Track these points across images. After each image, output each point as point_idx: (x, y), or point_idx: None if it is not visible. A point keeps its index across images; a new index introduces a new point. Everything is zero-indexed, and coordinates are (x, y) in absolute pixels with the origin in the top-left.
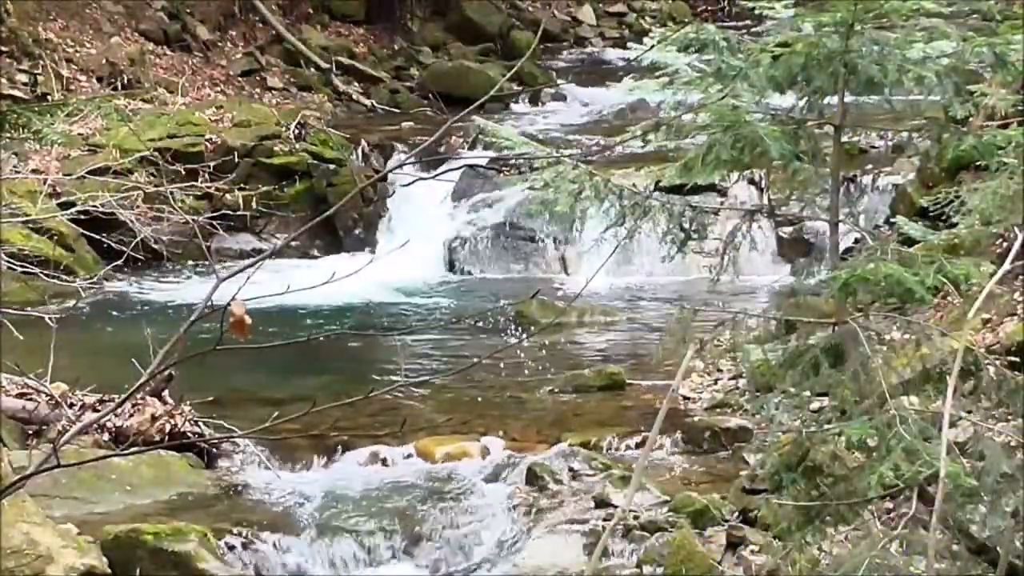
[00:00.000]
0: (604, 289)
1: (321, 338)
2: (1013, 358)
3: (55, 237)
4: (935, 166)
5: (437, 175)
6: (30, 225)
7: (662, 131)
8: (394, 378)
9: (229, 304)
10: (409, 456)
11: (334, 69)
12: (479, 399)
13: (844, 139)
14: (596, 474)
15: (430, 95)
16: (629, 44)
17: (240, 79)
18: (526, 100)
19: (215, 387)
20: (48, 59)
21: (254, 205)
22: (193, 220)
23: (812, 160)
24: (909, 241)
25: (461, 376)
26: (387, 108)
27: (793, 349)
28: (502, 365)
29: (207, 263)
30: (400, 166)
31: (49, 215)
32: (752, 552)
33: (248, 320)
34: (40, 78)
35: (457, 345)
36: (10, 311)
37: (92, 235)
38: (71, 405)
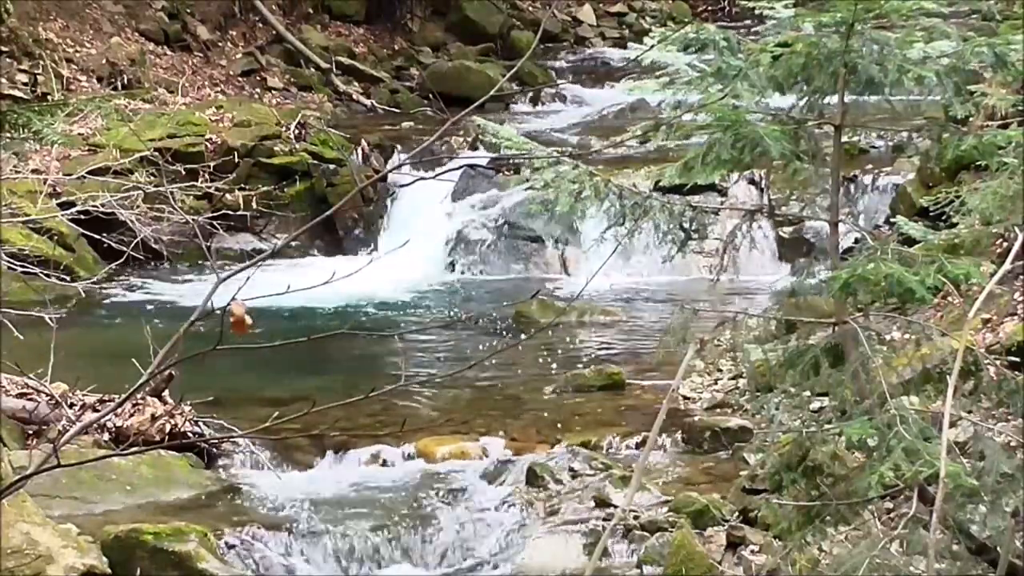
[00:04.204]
0: (604, 289)
1: (321, 338)
2: (1013, 358)
3: (55, 237)
4: (935, 166)
5: (437, 175)
6: (30, 225)
7: (662, 131)
8: (394, 378)
9: (229, 304)
10: (409, 456)
11: (334, 69)
12: (479, 399)
13: (844, 139)
14: (596, 474)
15: (430, 95)
16: (629, 44)
17: (240, 79)
18: (526, 100)
19: (215, 387)
20: (48, 59)
21: (254, 205)
22: (193, 220)
23: (812, 160)
24: (909, 241)
25: (461, 376)
26: (387, 108)
27: (793, 349)
28: (502, 365)
29: (207, 263)
30: (400, 166)
31: (49, 215)
32: (752, 552)
33: (248, 319)
34: (40, 78)
35: (457, 345)
36: (10, 311)
37: (92, 235)
38: (71, 405)
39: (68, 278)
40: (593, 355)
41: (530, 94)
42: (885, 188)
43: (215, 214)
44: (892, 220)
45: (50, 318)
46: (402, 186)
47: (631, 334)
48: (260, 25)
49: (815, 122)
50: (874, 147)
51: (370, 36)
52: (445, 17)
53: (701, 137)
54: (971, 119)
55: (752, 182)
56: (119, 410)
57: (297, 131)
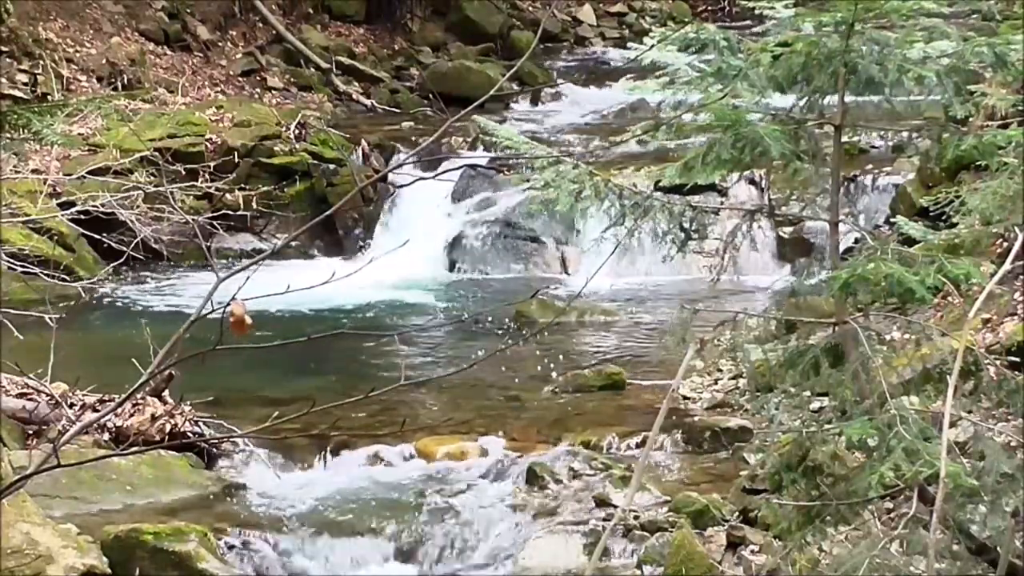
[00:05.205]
0: (604, 289)
1: (321, 338)
2: (1013, 358)
3: (55, 237)
4: (935, 166)
5: (437, 175)
6: (30, 225)
7: (662, 131)
8: (394, 378)
9: (229, 304)
10: (409, 456)
11: (334, 69)
12: (479, 399)
13: (844, 139)
14: (596, 474)
15: (430, 95)
16: (629, 44)
17: (240, 79)
18: (526, 100)
19: (215, 387)
20: (48, 59)
21: (254, 205)
22: (193, 220)
23: (812, 160)
24: (909, 241)
25: (461, 376)
26: (387, 108)
27: (793, 349)
28: (502, 365)
29: (207, 263)
30: (400, 166)
31: (49, 215)
32: (752, 552)
33: (248, 319)
34: (40, 78)
35: (457, 345)
36: (10, 311)
37: (92, 235)
38: (71, 405)
39: (68, 278)
40: (593, 355)
41: (530, 94)
42: (885, 188)
43: (215, 214)
44: (892, 220)
45: (50, 318)
46: (402, 186)
47: (631, 334)
48: (260, 25)
49: (815, 122)
50: (874, 147)
51: (370, 36)
52: (445, 17)
53: (701, 137)
54: (971, 119)
55: (752, 182)
56: (119, 410)
57: (297, 131)
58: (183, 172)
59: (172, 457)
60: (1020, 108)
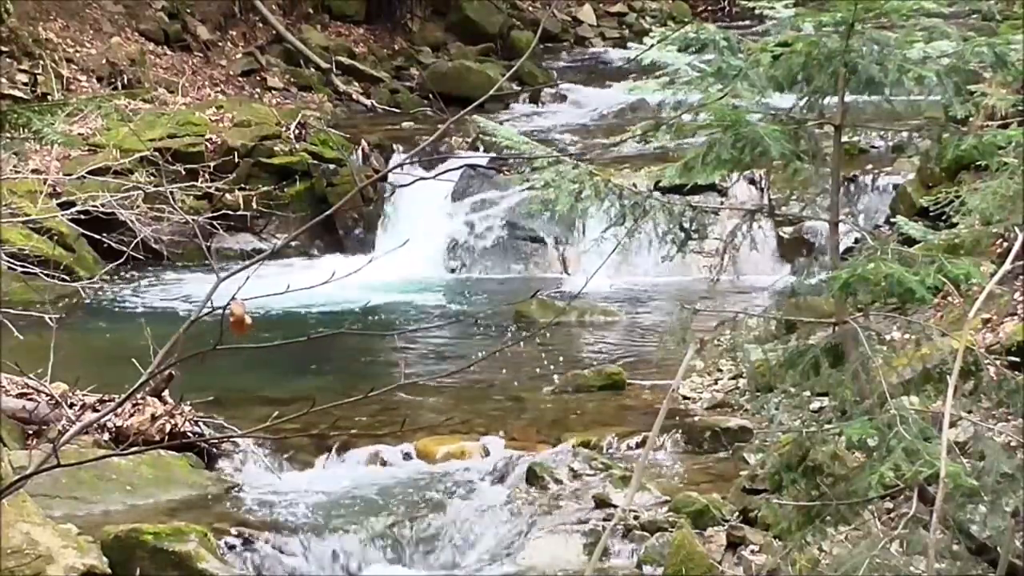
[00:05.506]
0: (604, 289)
1: (321, 338)
2: (1013, 358)
3: (55, 237)
4: (935, 166)
5: (437, 175)
6: (30, 225)
7: (662, 131)
8: (394, 378)
9: (229, 303)
10: (409, 456)
11: (334, 69)
12: (479, 399)
13: (844, 139)
14: (596, 474)
15: (430, 95)
16: (629, 44)
17: (240, 79)
18: (526, 100)
19: (215, 387)
20: (48, 59)
21: (254, 205)
22: (193, 220)
23: (812, 160)
24: (909, 241)
25: (461, 376)
26: (387, 108)
27: (793, 349)
28: (502, 365)
29: (207, 263)
30: (400, 166)
31: (49, 215)
32: (752, 552)
33: (248, 319)
34: (40, 78)
35: (457, 345)
36: (10, 311)
37: (92, 235)
38: (71, 405)
39: (68, 278)
40: (593, 355)
41: (530, 94)
42: (885, 188)
43: (215, 214)
44: (892, 220)
45: (50, 318)
46: (402, 186)
47: (631, 334)
48: (260, 25)
49: (815, 122)
50: (874, 147)
51: (370, 36)
52: (445, 17)
53: (701, 137)
54: (971, 119)
55: (752, 182)
56: (119, 410)
57: (297, 131)
58: (183, 172)
59: (172, 457)
60: (1020, 108)
